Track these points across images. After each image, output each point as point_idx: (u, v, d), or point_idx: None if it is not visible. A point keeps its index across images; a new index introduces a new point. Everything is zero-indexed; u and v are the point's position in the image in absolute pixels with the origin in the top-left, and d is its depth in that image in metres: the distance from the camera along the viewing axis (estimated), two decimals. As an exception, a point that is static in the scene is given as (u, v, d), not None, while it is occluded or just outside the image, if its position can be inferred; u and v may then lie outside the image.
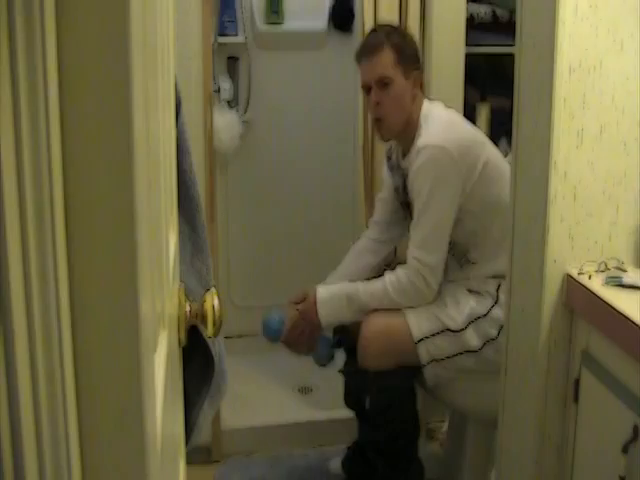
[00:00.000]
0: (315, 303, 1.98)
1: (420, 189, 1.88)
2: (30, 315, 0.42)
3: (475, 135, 1.98)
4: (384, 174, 2.17)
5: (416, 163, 1.88)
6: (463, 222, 1.92)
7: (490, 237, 1.94)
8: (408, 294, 1.89)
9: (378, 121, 1.98)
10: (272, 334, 2.15)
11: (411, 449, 2.00)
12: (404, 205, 2.09)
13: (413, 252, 1.89)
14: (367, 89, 1.97)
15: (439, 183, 1.86)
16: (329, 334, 2.12)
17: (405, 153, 2.01)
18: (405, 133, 1.98)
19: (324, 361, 2.16)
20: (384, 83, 1.93)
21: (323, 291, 2.00)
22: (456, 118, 2.03)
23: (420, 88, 2.00)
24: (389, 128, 1.97)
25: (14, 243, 0.40)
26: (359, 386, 1.99)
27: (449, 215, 1.89)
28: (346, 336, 2.04)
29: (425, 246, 1.88)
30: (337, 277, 2.13)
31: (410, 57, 1.97)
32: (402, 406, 1.94)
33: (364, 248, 2.17)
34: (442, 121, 1.95)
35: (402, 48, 1.95)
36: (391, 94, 1.93)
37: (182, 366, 1.02)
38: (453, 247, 1.93)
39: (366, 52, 1.97)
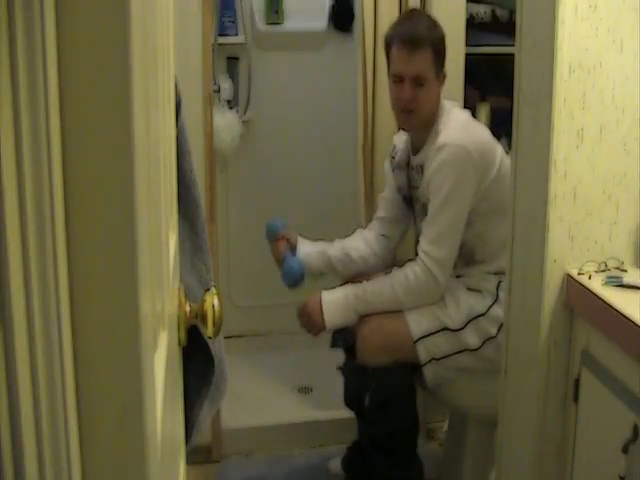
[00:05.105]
0: (320, 306, 1.98)
1: (440, 186, 1.87)
2: (30, 315, 0.42)
3: (491, 138, 1.99)
4: (386, 173, 2.17)
5: (436, 160, 1.88)
6: (473, 224, 1.92)
7: (496, 237, 1.94)
8: (415, 290, 1.89)
9: (407, 112, 1.96)
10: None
11: (410, 447, 2.00)
12: (409, 201, 2.09)
13: (424, 246, 1.90)
14: (398, 79, 1.93)
15: (460, 182, 1.86)
16: (295, 256, 2.12)
17: (417, 149, 2.01)
18: (423, 128, 1.98)
19: (293, 282, 2.11)
20: (420, 83, 1.91)
21: (328, 294, 2.00)
22: (472, 119, 2.03)
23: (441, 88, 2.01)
24: (416, 121, 1.96)
25: (14, 243, 0.40)
26: (358, 383, 1.99)
27: (465, 214, 1.89)
28: (345, 334, 2.04)
29: (438, 242, 1.88)
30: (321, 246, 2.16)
31: (443, 58, 1.96)
32: (401, 403, 1.94)
33: (358, 249, 2.16)
34: (462, 121, 1.97)
35: (440, 49, 1.94)
36: (424, 93, 1.93)
37: (182, 366, 1.02)
38: (461, 248, 1.93)
39: (407, 41, 1.91)
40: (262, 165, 3.00)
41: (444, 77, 1.99)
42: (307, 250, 2.15)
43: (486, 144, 1.94)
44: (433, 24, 1.99)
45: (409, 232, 2.21)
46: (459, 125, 1.94)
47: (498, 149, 1.97)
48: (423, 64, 1.91)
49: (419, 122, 1.97)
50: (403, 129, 2.07)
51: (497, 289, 1.93)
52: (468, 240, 1.95)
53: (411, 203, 2.09)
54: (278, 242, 2.16)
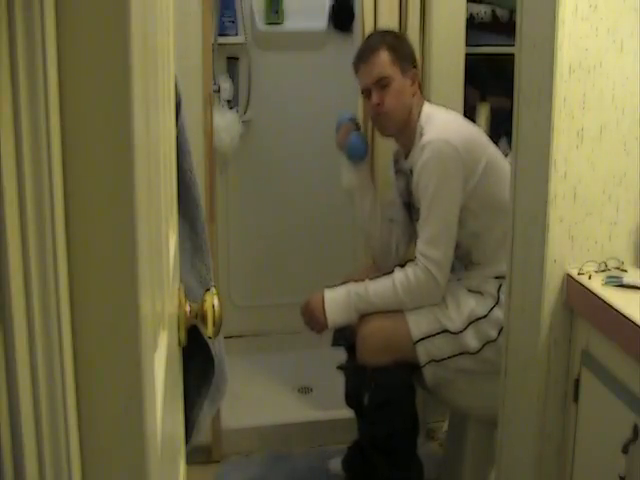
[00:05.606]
0: (322, 303, 1.98)
1: (427, 184, 1.88)
2: (30, 315, 0.42)
3: (478, 134, 1.99)
4: (391, 176, 2.18)
5: (421, 159, 1.89)
6: (465, 222, 1.92)
7: (492, 239, 1.95)
8: (416, 291, 1.89)
9: (379, 116, 1.98)
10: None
11: (410, 447, 2.00)
12: (407, 207, 2.10)
13: (420, 248, 1.90)
14: (367, 92, 1.99)
15: (445, 177, 1.86)
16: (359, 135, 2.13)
17: (407, 154, 2.02)
18: (405, 130, 1.99)
19: (358, 157, 2.14)
20: (383, 84, 1.95)
21: (330, 292, 2.00)
22: (459, 118, 2.04)
23: (418, 87, 2.01)
24: (391, 121, 1.98)
25: (14, 243, 0.41)
26: (358, 383, 1.99)
27: (456, 210, 1.89)
28: (346, 333, 2.05)
29: (433, 242, 1.88)
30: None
31: (406, 55, 1.99)
32: (400, 403, 1.94)
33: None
34: (445, 119, 1.98)
35: (397, 47, 1.98)
36: (391, 92, 1.95)
37: (182, 366, 1.02)
38: (457, 249, 1.93)
39: (362, 57, 1.99)
40: (262, 165, 3.00)
41: (417, 77, 2.01)
42: None
43: (471, 138, 1.94)
44: (386, 32, 2.07)
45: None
46: (441, 123, 1.94)
47: (486, 144, 1.97)
48: (380, 65, 1.95)
49: (394, 123, 1.99)
50: (385, 135, 2.08)
51: (498, 292, 1.93)
52: (464, 240, 1.95)
53: (410, 209, 2.09)
54: (347, 124, 2.17)
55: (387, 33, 2.06)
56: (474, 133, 1.98)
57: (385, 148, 2.32)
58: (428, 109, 1.99)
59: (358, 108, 2.44)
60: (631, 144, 1.36)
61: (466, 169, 1.88)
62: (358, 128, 2.18)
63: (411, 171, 1.97)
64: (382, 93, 1.95)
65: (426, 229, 1.90)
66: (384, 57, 1.95)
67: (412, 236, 2.16)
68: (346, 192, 2.18)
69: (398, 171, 2.13)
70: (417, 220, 1.95)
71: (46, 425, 0.44)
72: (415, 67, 2.02)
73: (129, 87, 0.47)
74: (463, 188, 1.88)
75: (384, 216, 2.18)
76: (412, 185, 1.98)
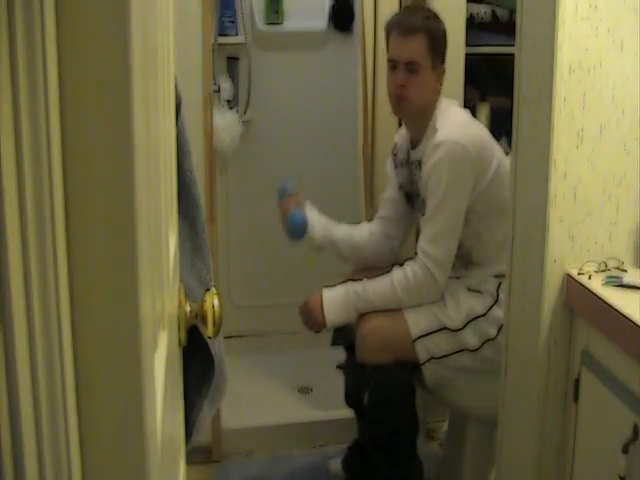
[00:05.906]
0: (321, 303, 1.98)
1: (437, 184, 1.87)
2: (30, 315, 0.42)
3: (488, 136, 1.99)
4: (388, 172, 2.17)
5: (433, 158, 1.88)
6: (470, 223, 1.92)
7: (494, 240, 1.95)
8: (414, 289, 1.89)
9: (398, 98, 1.97)
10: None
11: (410, 447, 2.00)
12: (409, 197, 2.09)
13: (422, 245, 1.90)
14: (394, 64, 1.95)
15: (456, 179, 1.86)
16: (298, 212, 2.13)
17: (415, 143, 2.01)
18: (418, 121, 1.98)
19: (298, 236, 2.13)
20: (412, 69, 1.92)
21: (329, 291, 2.00)
22: (471, 118, 2.03)
23: (440, 84, 2.00)
24: (407, 108, 1.97)
25: (14, 243, 0.41)
26: (358, 382, 1.99)
27: (462, 211, 1.89)
28: (345, 332, 2.05)
29: (435, 240, 1.88)
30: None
31: (441, 50, 1.97)
32: (400, 402, 1.94)
33: (362, 236, 2.17)
34: (460, 119, 1.97)
35: (436, 39, 1.95)
36: (417, 80, 1.93)
37: (182, 366, 1.02)
38: (458, 248, 1.93)
39: (402, 28, 1.94)
40: (262, 165, 3.00)
41: (443, 72, 1.99)
42: (313, 217, 2.15)
43: (483, 142, 1.93)
44: (432, 16, 2.01)
45: (411, 232, 2.22)
46: (457, 123, 1.94)
47: (496, 148, 1.96)
48: (416, 50, 1.92)
49: (412, 110, 1.97)
50: (397, 115, 2.07)
51: (497, 290, 1.93)
52: (465, 240, 1.95)
53: (412, 199, 2.09)
54: (286, 199, 2.17)
55: (430, 15, 2.00)
56: (485, 135, 1.98)
57: (384, 147, 2.32)
58: (444, 104, 1.98)
59: (358, 107, 2.45)
60: (631, 144, 1.36)
61: (477, 172, 1.88)
62: (297, 194, 2.17)
63: (419, 162, 1.97)
64: (408, 77, 1.93)
65: (430, 227, 1.90)
66: (421, 44, 1.92)
67: (409, 230, 2.16)
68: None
69: (397, 165, 2.12)
70: (423, 214, 1.95)
71: (46, 425, 0.44)
72: (444, 62, 1.99)
73: (129, 87, 0.47)
74: (472, 190, 1.88)
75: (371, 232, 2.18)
76: (418, 177, 1.97)
